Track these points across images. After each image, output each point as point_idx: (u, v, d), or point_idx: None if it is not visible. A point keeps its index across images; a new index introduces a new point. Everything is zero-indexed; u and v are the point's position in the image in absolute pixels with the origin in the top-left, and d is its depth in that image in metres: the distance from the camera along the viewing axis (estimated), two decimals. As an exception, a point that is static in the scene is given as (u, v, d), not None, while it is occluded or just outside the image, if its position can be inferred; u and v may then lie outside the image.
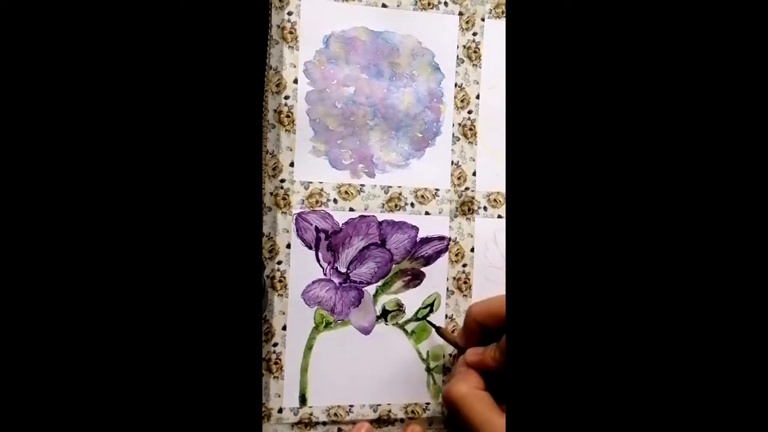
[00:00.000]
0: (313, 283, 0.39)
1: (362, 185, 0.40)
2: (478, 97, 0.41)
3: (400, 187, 0.40)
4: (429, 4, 0.40)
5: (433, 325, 0.40)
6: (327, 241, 0.39)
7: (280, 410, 0.38)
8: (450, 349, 0.40)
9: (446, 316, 0.40)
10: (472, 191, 0.41)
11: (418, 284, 0.40)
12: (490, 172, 0.41)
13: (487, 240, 0.41)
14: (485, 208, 0.41)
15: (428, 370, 0.40)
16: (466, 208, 0.41)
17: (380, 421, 0.39)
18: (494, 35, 0.41)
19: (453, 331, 0.40)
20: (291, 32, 0.39)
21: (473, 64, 0.41)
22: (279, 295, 0.38)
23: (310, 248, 0.39)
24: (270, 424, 0.38)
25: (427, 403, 0.40)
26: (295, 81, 0.39)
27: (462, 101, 0.41)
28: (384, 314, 0.40)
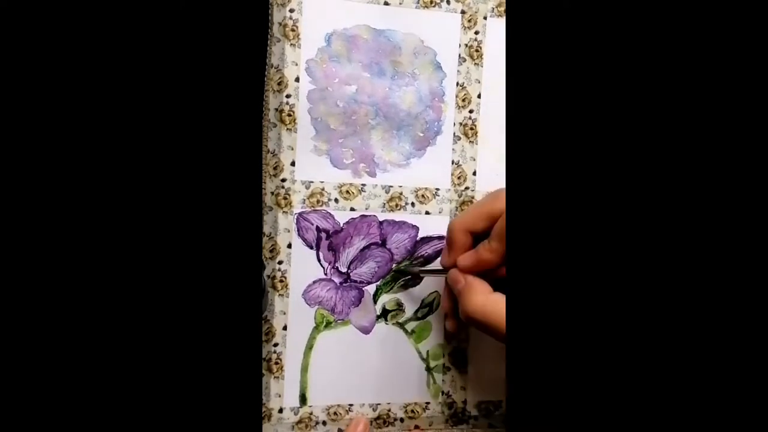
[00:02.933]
0: (314, 282, 0.39)
1: (363, 185, 0.39)
2: (479, 96, 0.41)
3: (400, 186, 0.40)
4: (431, 2, 0.40)
5: (417, 271, 0.40)
6: (328, 241, 0.39)
7: (281, 410, 0.38)
8: (449, 349, 0.40)
9: (446, 316, 0.40)
10: (473, 191, 0.41)
11: (418, 284, 0.40)
12: (491, 172, 0.41)
13: (488, 240, 0.41)
14: (486, 208, 0.41)
15: (428, 369, 0.40)
16: (466, 207, 0.41)
17: (380, 421, 0.39)
18: (496, 34, 0.41)
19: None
20: (293, 30, 0.39)
21: (475, 63, 0.41)
22: (279, 295, 0.38)
23: (311, 248, 0.39)
24: (270, 424, 0.38)
25: (427, 403, 0.40)
26: (297, 79, 0.39)
27: (463, 100, 0.41)
28: (384, 314, 0.40)
